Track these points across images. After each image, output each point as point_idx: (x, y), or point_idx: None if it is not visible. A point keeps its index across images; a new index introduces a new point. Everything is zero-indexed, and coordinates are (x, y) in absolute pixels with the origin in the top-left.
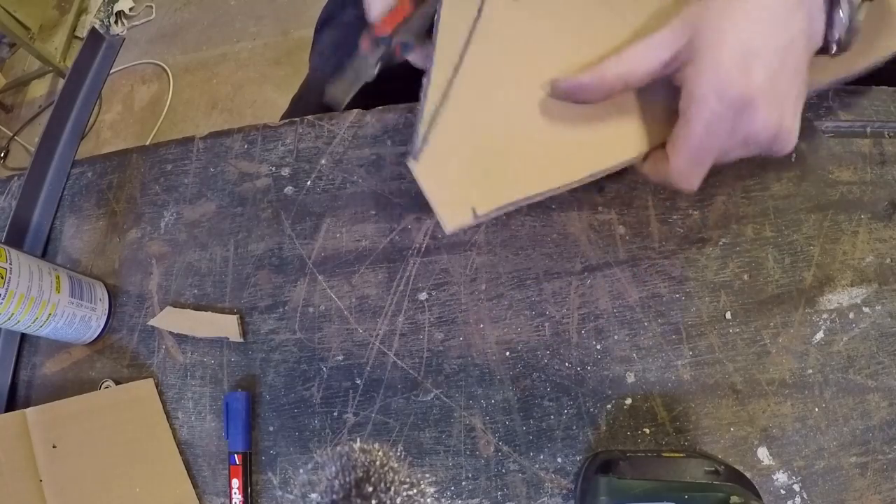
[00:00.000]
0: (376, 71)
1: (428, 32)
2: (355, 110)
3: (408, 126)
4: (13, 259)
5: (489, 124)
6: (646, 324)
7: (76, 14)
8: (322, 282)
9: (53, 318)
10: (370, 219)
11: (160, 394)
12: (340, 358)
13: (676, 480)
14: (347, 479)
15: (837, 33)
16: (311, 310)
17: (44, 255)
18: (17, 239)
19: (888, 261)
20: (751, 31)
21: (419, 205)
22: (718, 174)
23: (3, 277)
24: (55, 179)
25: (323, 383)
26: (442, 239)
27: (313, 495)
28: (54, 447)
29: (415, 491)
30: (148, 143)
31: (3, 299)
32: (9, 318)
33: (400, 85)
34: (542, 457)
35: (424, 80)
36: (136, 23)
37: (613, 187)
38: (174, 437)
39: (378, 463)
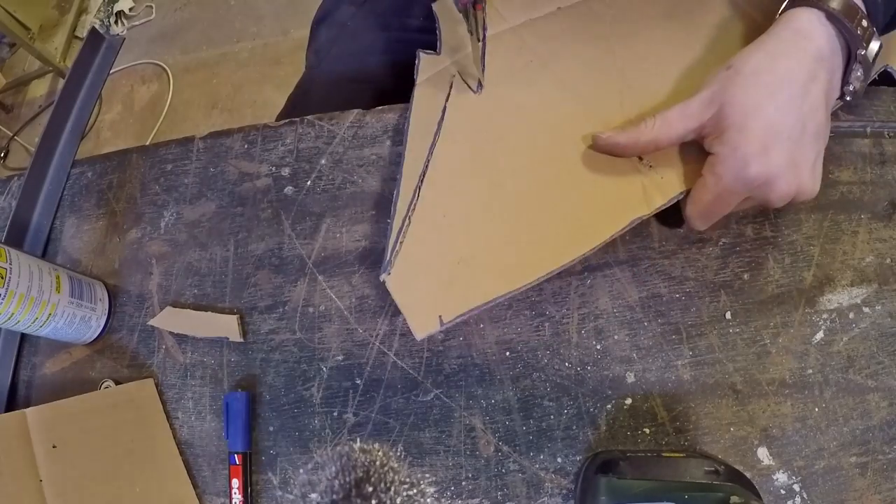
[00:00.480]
0: None
1: None
2: (355, 110)
3: None
4: (13, 259)
5: (453, 231)
6: (646, 324)
7: (76, 14)
8: (322, 282)
9: (53, 318)
10: (370, 219)
11: (160, 394)
12: (340, 358)
13: (676, 480)
14: (347, 479)
15: (853, 87)
16: (311, 310)
17: (44, 255)
18: (17, 239)
19: (888, 261)
20: (774, 109)
21: None
22: None
23: (3, 277)
24: (55, 179)
25: (323, 383)
26: None
27: (313, 495)
28: (54, 447)
29: (415, 491)
30: (148, 143)
31: (3, 299)
32: (9, 318)
33: (401, 84)
34: (542, 457)
35: (395, 192)
36: (136, 23)
37: None
38: (174, 437)
39: (378, 463)
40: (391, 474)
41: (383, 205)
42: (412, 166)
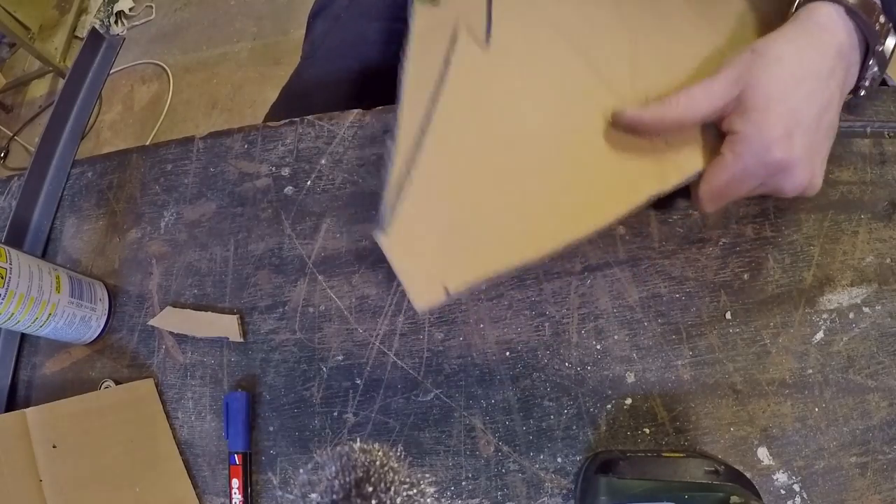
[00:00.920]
0: None
1: None
2: (355, 110)
3: None
4: (13, 259)
5: (460, 191)
6: (646, 324)
7: (76, 14)
8: (322, 282)
9: (53, 318)
10: (370, 219)
11: (160, 394)
12: (340, 358)
13: (676, 480)
14: (347, 479)
15: (868, 81)
16: (311, 310)
17: (44, 255)
18: (17, 239)
19: (888, 261)
20: (797, 99)
21: None
22: None
23: (3, 277)
24: (55, 179)
25: (323, 383)
26: None
27: (313, 495)
28: (54, 447)
29: (415, 491)
30: (148, 143)
31: (3, 299)
32: (9, 318)
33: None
34: (542, 457)
35: (389, 142)
36: (136, 23)
37: None
38: (174, 437)
39: (378, 463)
40: (391, 474)
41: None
42: (411, 118)
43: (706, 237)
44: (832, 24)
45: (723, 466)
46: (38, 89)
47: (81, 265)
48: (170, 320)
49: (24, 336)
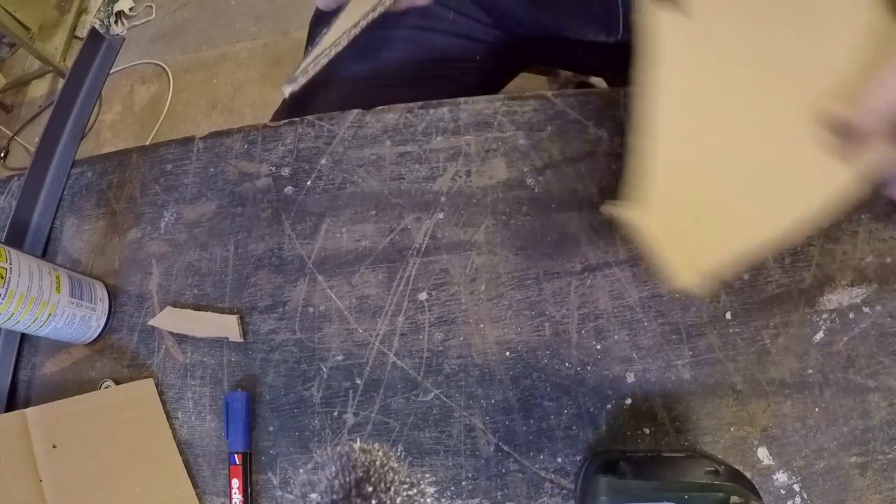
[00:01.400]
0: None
1: None
2: (355, 110)
3: (408, 126)
4: (13, 259)
5: (703, 167)
6: (646, 324)
7: (76, 14)
8: (322, 282)
9: (53, 318)
10: (370, 219)
11: (160, 394)
12: (340, 358)
13: (676, 480)
14: (347, 479)
15: None
16: (311, 310)
17: (44, 255)
18: (17, 239)
19: (888, 261)
20: None
21: (419, 205)
22: None
23: (3, 277)
24: (55, 179)
25: (323, 383)
26: (442, 239)
27: (313, 495)
28: (54, 447)
29: (415, 491)
30: (148, 143)
31: (3, 299)
32: (9, 318)
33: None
34: (542, 457)
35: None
36: (136, 23)
37: (613, 187)
38: (174, 437)
39: (378, 463)
40: (391, 474)
41: (383, 205)
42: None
43: None
44: None
45: (723, 466)
46: (38, 89)
47: (81, 265)
48: (170, 320)
49: (24, 336)
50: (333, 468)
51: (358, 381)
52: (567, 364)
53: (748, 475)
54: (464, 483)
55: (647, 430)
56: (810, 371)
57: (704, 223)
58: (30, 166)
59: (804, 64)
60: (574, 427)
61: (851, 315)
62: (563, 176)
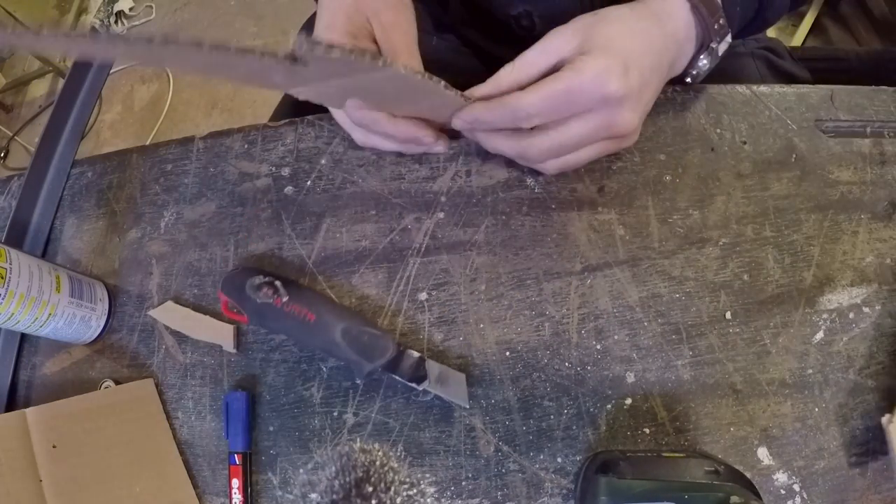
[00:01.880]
0: None
1: None
2: None
3: None
4: (13, 259)
5: None
6: (646, 324)
7: (76, 14)
8: (322, 282)
9: (53, 318)
10: (370, 219)
11: (160, 394)
12: None
13: (676, 480)
14: (347, 479)
15: (696, 72)
16: None
17: (44, 255)
18: (17, 239)
19: (888, 261)
20: (633, 47)
21: (419, 205)
22: (717, 178)
23: (3, 277)
24: (55, 179)
25: (323, 383)
26: (442, 239)
27: (313, 495)
28: (54, 447)
29: (415, 491)
30: (148, 143)
31: (3, 299)
32: (9, 318)
33: None
34: (542, 457)
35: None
36: (136, 23)
37: (613, 187)
38: (174, 437)
39: (378, 463)
40: (391, 474)
41: (383, 205)
42: None
43: (706, 237)
44: (675, 12)
45: (723, 466)
46: (38, 89)
47: (81, 265)
48: (169, 314)
49: (24, 336)
50: (333, 468)
51: (358, 381)
52: (567, 364)
53: (748, 475)
54: (464, 483)
55: (647, 430)
56: (810, 371)
57: None
58: (30, 166)
59: None
60: (574, 427)
61: (851, 315)
62: (563, 176)
